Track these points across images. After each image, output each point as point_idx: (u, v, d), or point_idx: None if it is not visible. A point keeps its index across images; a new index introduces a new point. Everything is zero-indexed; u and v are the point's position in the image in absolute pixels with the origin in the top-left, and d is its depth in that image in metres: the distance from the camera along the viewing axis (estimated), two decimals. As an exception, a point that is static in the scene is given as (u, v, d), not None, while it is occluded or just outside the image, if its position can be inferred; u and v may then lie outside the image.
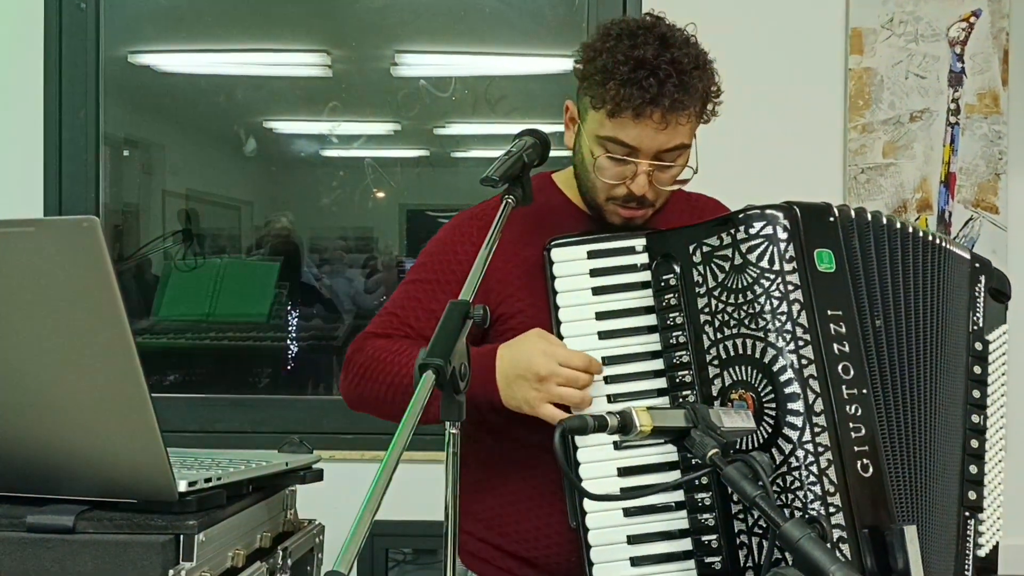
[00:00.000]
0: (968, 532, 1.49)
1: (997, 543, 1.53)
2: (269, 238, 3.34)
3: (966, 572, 1.48)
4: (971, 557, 1.49)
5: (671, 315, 1.45)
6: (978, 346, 1.54)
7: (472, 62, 3.15)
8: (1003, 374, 1.59)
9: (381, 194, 3.29)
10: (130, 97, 3.13)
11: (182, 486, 1.21)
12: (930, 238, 1.52)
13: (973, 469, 1.50)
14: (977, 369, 1.53)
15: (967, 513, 1.49)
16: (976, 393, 1.52)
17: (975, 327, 1.55)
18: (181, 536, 1.19)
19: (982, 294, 1.57)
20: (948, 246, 1.55)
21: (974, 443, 1.51)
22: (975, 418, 1.52)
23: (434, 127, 3.25)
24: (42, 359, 1.19)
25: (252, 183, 3.57)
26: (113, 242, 3.13)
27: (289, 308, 3.23)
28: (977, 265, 1.58)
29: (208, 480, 1.25)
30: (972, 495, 1.50)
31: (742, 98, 2.57)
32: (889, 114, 2.56)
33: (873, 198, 2.55)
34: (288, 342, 3.18)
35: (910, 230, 1.50)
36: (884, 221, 1.48)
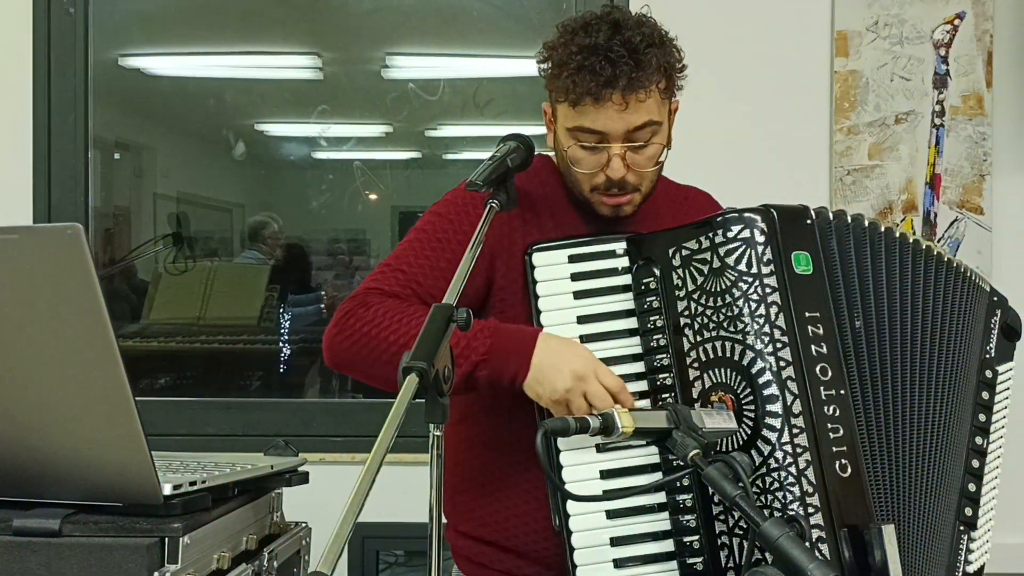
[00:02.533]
0: (961, 546, 1.51)
1: (983, 564, 1.57)
2: (269, 241, 3.34)
3: None
4: (961, 572, 1.51)
5: (651, 318, 1.46)
6: (988, 374, 1.59)
7: (461, 64, 3.17)
8: (1006, 407, 1.63)
9: (373, 196, 3.30)
10: (121, 100, 3.13)
11: (167, 489, 1.22)
12: (936, 253, 1.55)
13: (972, 487, 1.53)
14: (985, 395, 1.58)
15: (961, 527, 1.51)
16: (982, 417, 1.57)
17: (987, 355, 1.59)
18: (166, 539, 1.21)
19: (996, 327, 1.62)
20: (969, 273, 1.58)
21: (975, 463, 1.54)
22: (979, 439, 1.55)
23: (425, 129, 3.26)
24: (27, 365, 1.20)
25: (243, 186, 3.57)
26: (104, 245, 3.14)
27: (281, 311, 3.24)
28: (995, 299, 1.63)
29: (193, 483, 1.27)
30: (968, 511, 1.52)
31: (729, 101, 2.60)
32: (874, 116, 2.57)
33: (859, 200, 2.57)
34: (280, 344, 3.19)
35: (896, 234, 1.51)
36: (866, 224, 1.49)
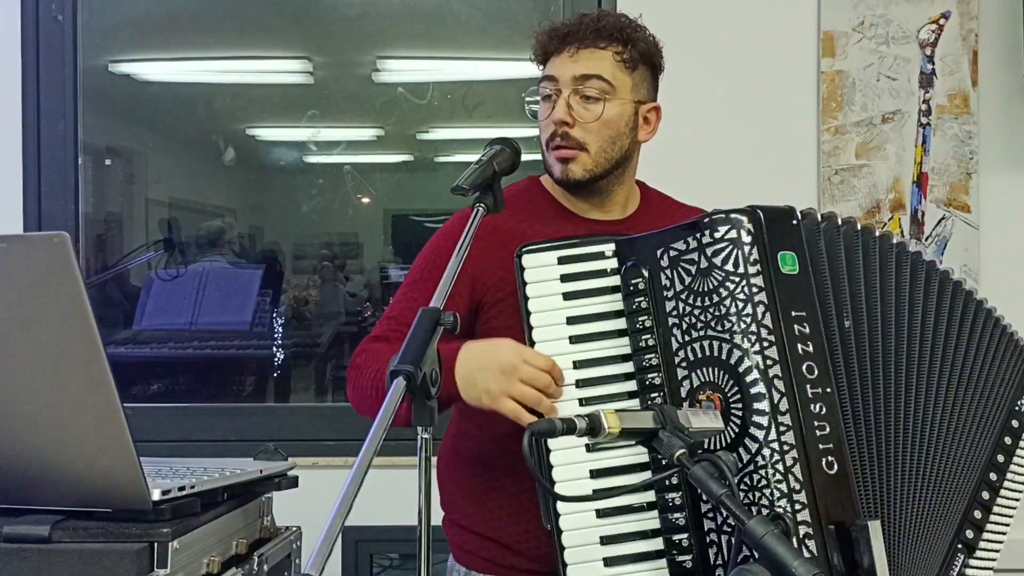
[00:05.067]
0: (955, 562, 1.52)
1: None
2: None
3: None
4: None
5: (640, 319, 1.47)
6: (1015, 423, 1.60)
7: (450, 67, 3.17)
8: None
9: (366, 200, 3.30)
10: (111, 106, 3.14)
11: (156, 494, 1.22)
12: (952, 279, 1.56)
13: (977, 514, 1.54)
14: (1007, 440, 1.59)
15: (959, 546, 1.52)
16: (1000, 458, 1.58)
17: (1018, 407, 1.61)
18: (155, 544, 1.21)
19: None
20: (1009, 327, 1.61)
21: (985, 495, 1.56)
22: (992, 476, 1.57)
23: (416, 132, 3.27)
24: (15, 373, 1.20)
25: (235, 191, 3.58)
26: (96, 251, 3.14)
27: (273, 316, 3.24)
28: None
29: (182, 488, 1.27)
30: (969, 534, 1.53)
31: (716, 102, 2.61)
32: (861, 116, 2.58)
33: (847, 199, 2.58)
34: (274, 349, 3.19)
35: (894, 240, 1.52)
36: (858, 227, 1.50)
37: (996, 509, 1.58)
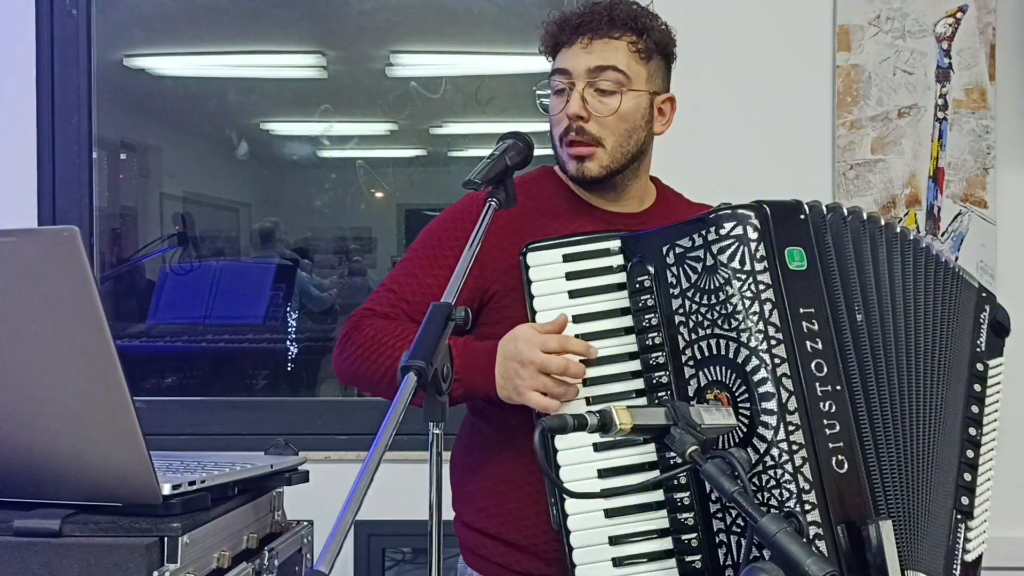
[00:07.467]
0: (959, 535, 1.50)
1: (981, 555, 1.56)
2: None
3: (954, 571, 1.49)
4: (959, 560, 1.50)
5: (646, 316, 1.46)
6: (979, 367, 1.58)
7: (463, 62, 3.17)
8: (997, 402, 1.62)
9: (380, 194, 3.31)
10: (126, 100, 3.15)
11: (166, 489, 1.23)
12: (934, 253, 1.55)
13: (967, 476, 1.52)
14: (977, 387, 1.57)
15: (959, 516, 1.50)
16: (975, 408, 1.56)
17: (977, 349, 1.58)
18: (165, 538, 1.22)
19: (985, 323, 1.60)
20: (958, 271, 1.59)
21: (970, 453, 1.53)
22: (972, 431, 1.54)
23: (430, 127, 3.27)
24: (26, 367, 1.21)
25: (249, 185, 3.59)
26: (111, 245, 3.16)
27: (288, 310, 3.25)
28: (984, 295, 1.62)
29: (192, 483, 1.28)
30: (964, 500, 1.51)
31: (731, 97, 2.60)
32: (877, 110, 2.56)
33: (862, 194, 2.56)
34: (288, 343, 3.21)
35: (898, 230, 1.51)
36: (864, 217, 1.49)
37: (981, 460, 1.55)
